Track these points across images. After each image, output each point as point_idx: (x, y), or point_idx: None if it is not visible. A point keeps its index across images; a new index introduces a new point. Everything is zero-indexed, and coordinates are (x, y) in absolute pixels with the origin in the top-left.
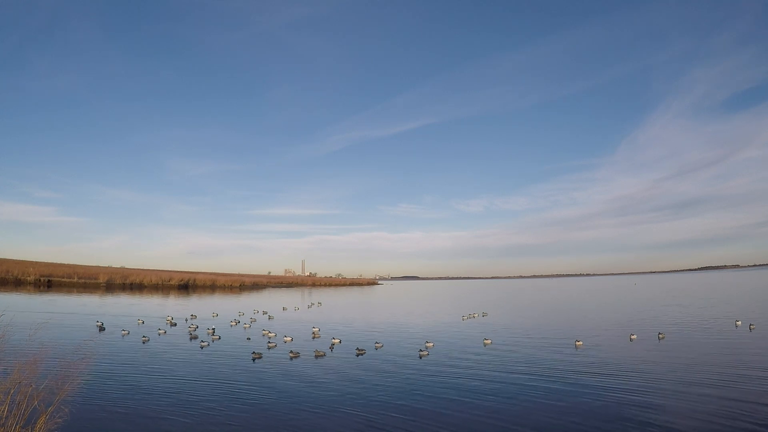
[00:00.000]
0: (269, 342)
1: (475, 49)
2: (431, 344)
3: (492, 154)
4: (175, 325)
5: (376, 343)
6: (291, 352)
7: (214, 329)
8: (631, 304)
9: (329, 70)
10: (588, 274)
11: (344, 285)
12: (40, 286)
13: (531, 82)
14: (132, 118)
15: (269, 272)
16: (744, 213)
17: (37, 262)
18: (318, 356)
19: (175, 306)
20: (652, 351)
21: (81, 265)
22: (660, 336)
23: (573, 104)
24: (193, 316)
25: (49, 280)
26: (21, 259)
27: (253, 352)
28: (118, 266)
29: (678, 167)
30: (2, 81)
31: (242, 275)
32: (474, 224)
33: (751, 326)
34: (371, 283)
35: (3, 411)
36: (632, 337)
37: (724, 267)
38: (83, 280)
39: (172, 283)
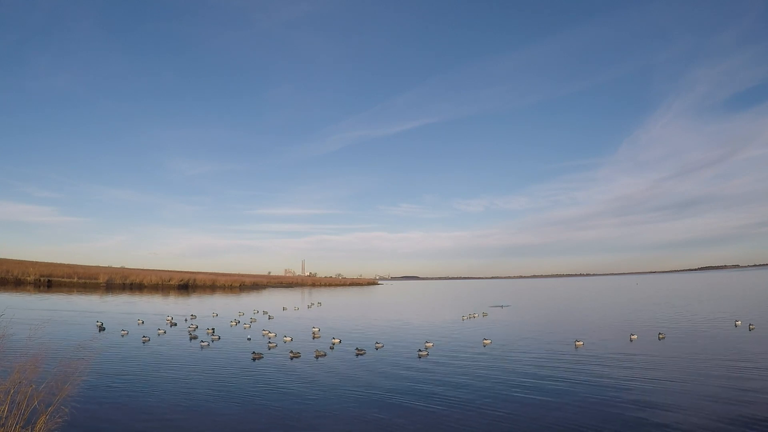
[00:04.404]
0: (269, 342)
1: (475, 49)
2: (431, 344)
3: (492, 154)
4: (175, 325)
5: (376, 343)
6: (291, 352)
7: (213, 329)
8: (631, 304)
9: (329, 69)
10: (588, 274)
11: (344, 285)
12: (40, 286)
13: (531, 82)
14: (132, 118)
15: (269, 272)
16: (744, 213)
17: (37, 262)
18: (318, 356)
19: (175, 306)
20: (652, 351)
21: (81, 265)
22: (660, 336)
23: (573, 104)
24: (193, 316)
25: (49, 280)
26: (21, 259)
27: (253, 352)
28: (118, 266)
29: (679, 167)
30: (2, 80)
31: (242, 275)
32: (474, 224)
33: (751, 326)
34: (371, 283)
35: (3, 411)
36: (632, 337)
37: (724, 267)
38: (83, 280)
39: (172, 283)
